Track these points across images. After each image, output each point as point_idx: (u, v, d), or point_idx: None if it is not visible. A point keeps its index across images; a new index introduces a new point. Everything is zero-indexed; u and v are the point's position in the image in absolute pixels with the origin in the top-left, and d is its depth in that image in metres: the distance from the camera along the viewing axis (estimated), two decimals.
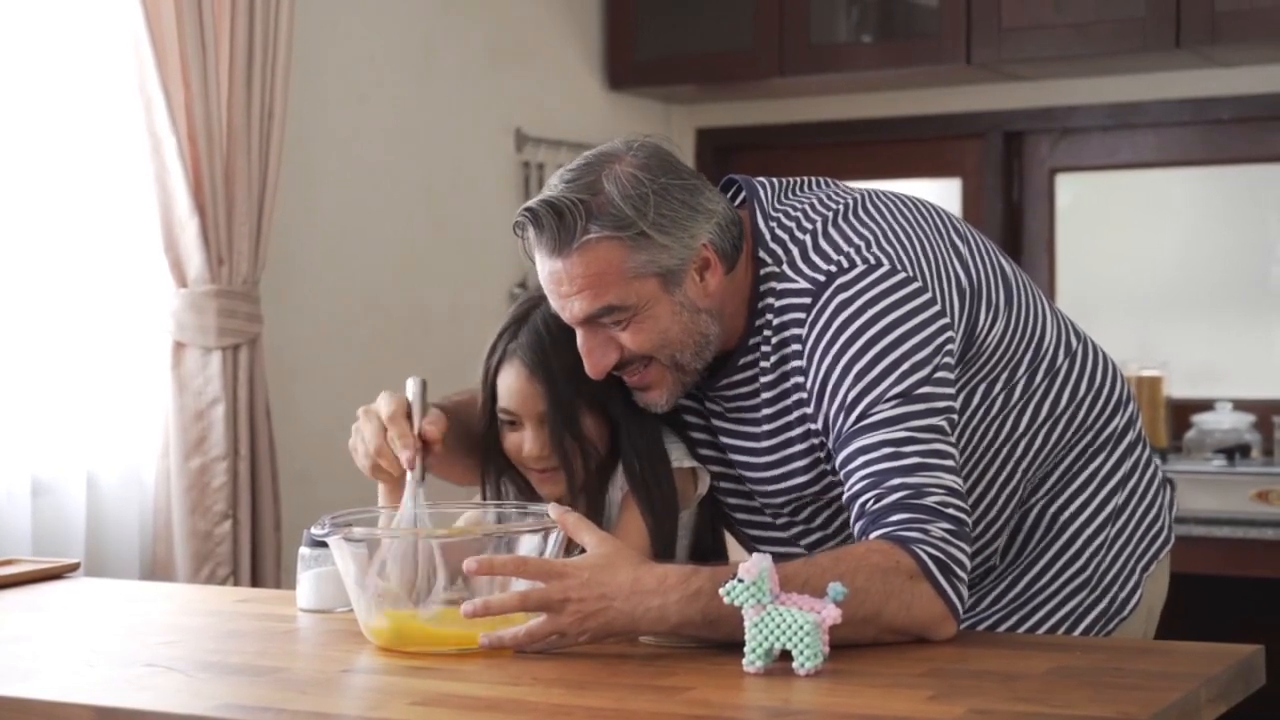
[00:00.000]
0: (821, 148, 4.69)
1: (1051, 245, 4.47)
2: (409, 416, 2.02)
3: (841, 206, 2.03)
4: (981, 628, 2.11)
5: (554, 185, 1.96)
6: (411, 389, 2.06)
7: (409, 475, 2.01)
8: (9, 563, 2.46)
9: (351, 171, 3.74)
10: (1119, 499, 2.15)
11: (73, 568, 2.46)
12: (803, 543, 2.12)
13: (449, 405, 2.13)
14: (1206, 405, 4.13)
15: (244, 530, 3.21)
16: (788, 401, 2.02)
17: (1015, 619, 2.12)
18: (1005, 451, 2.08)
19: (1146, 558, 2.18)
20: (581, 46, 4.45)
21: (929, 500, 1.84)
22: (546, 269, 1.97)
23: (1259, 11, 3.84)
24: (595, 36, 4.50)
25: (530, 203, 1.96)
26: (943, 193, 4.56)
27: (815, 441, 2.01)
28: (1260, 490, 3.71)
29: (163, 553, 3.19)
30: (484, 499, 2.14)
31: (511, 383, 2.08)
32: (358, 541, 1.87)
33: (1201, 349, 4.33)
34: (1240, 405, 4.10)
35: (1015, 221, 4.48)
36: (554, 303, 2.00)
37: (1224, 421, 4.06)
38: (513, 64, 4.20)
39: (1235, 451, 3.89)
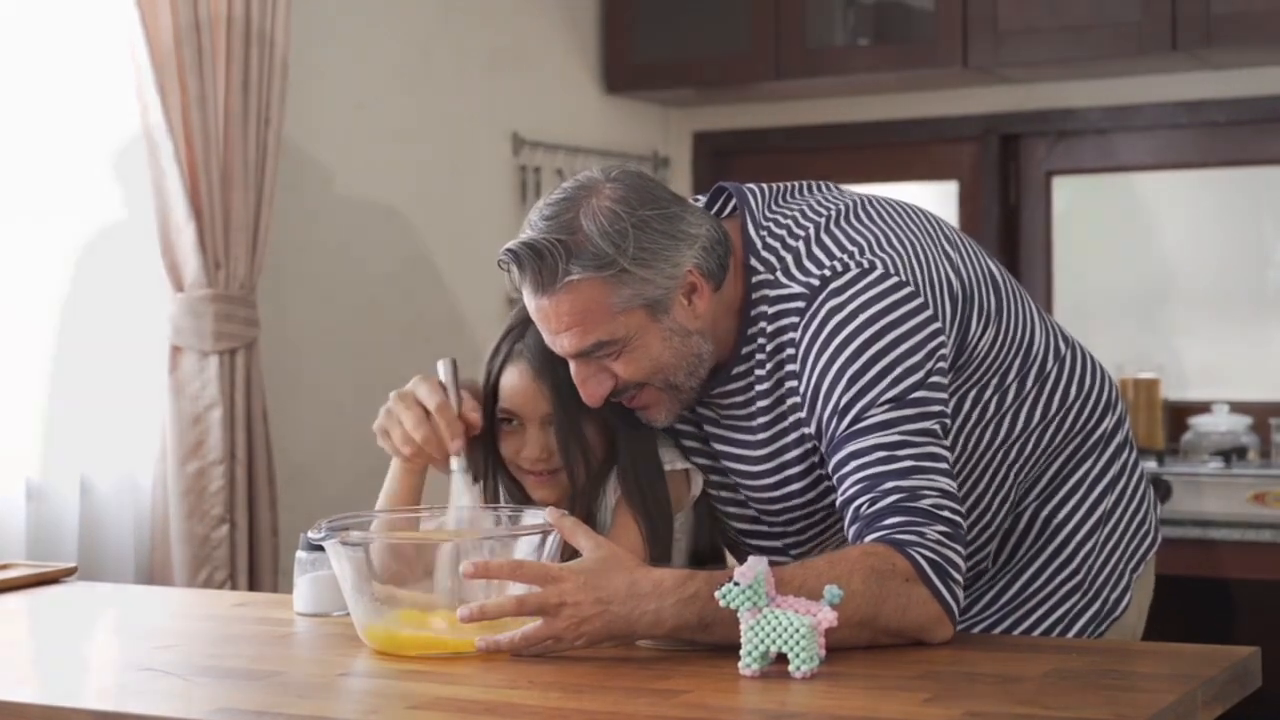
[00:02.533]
0: (818, 151, 4.69)
1: (1048, 248, 4.46)
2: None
3: (833, 212, 2.02)
4: (975, 632, 2.11)
5: (534, 223, 1.95)
6: (444, 372, 2.07)
7: (455, 462, 2.05)
8: (5, 567, 2.46)
9: (348, 175, 3.74)
10: (1109, 501, 2.16)
11: (69, 572, 2.46)
12: (795, 551, 2.12)
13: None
14: (1204, 407, 4.13)
15: (241, 534, 3.21)
16: (783, 408, 2.02)
17: (1009, 622, 2.12)
18: (997, 457, 2.08)
19: (1136, 559, 2.18)
20: (578, 50, 4.45)
21: (924, 503, 1.84)
22: (533, 305, 1.98)
23: (1255, 14, 3.85)
24: (592, 40, 4.50)
25: (511, 244, 1.95)
26: (939, 196, 4.56)
27: (810, 447, 2.01)
28: (1257, 492, 3.70)
29: (160, 557, 3.18)
30: (485, 501, 2.14)
31: (515, 383, 2.08)
32: (354, 545, 1.87)
33: (1198, 351, 4.33)
34: (1237, 407, 4.10)
35: (1012, 224, 4.48)
36: (545, 337, 2.00)
37: (1221, 424, 4.06)
38: (509, 68, 4.20)
39: (1232, 454, 3.89)
